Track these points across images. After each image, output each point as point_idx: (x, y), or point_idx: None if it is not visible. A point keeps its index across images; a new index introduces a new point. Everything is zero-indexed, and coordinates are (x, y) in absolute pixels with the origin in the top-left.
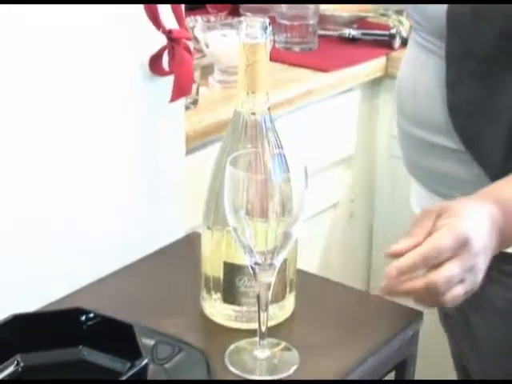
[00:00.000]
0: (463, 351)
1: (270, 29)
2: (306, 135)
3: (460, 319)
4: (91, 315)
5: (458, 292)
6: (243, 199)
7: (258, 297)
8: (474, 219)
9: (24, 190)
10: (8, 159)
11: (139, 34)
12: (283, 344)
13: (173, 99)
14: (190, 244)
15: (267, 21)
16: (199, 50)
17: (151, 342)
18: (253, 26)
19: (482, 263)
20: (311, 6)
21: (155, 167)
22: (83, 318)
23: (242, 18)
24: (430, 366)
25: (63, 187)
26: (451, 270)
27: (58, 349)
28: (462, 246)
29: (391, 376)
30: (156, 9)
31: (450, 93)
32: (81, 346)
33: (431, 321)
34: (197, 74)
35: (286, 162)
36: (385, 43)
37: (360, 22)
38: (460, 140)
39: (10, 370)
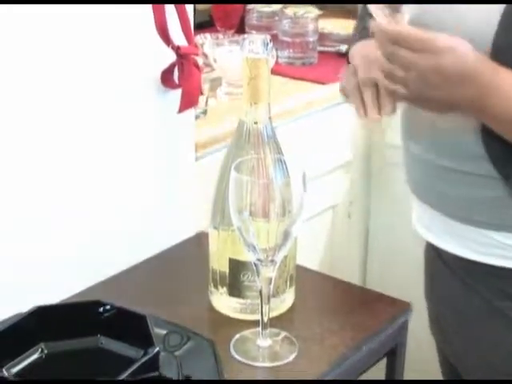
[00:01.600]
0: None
1: (270, 45)
2: (307, 143)
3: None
4: (108, 307)
5: (398, 72)
6: (247, 201)
7: (261, 290)
8: (460, 50)
9: (51, 190)
10: (37, 164)
11: (152, 50)
12: (284, 333)
13: (180, 110)
14: (199, 243)
15: (268, 37)
16: (208, 65)
17: (163, 332)
18: (255, 42)
19: (436, 79)
20: (311, 25)
21: (168, 172)
22: (101, 309)
23: (245, 35)
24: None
25: (86, 189)
26: (403, 50)
27: (78, 337)
28: (430, 51)
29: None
30: (166, 27)
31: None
32: (99, 335)
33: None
34: (206, 87)
35: (286, 167)
36: None
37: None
38: (494, 166)
39: (35, 356)
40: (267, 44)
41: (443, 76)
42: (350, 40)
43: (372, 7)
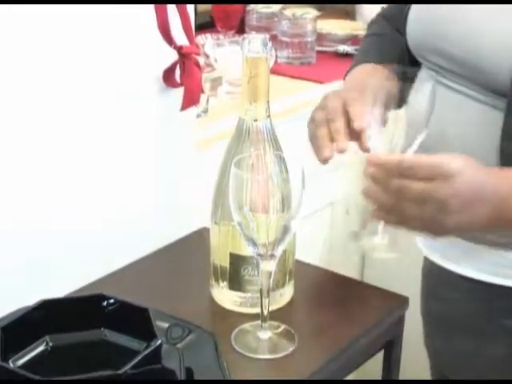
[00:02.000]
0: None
1: (270, 44)
2: (306, 141)
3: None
4: (112, 300)
5: (410, 209)
6: (246, 197)
7: (261, 284)
8: (469, 170)
9: (53, 185)
10: (41, 158)
11: (155, 49)
12: (283, 326)
13: (183, 108)
14: (200, 238)
15: (267, 37)
16: (209, 65)
17: (165, 325)
18: (254, 42)
19: (455, 205)
20: (309, 26)
21: (169, 169)
22: (105, 303)
23: (245, 35)
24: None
25: (88, 185)
26: (413, 182)
27: (83, 330)
28: (442, 176)
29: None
30: (168, 27)
31: (509, 145)
32: (102, 328)
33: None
34: (207, 86)
35: (285, 163)
36: None
37: (353, 39)
38: None
39: (40, 349)
40: (266, 44)
41: (462, 200)
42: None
43: (372, 135)
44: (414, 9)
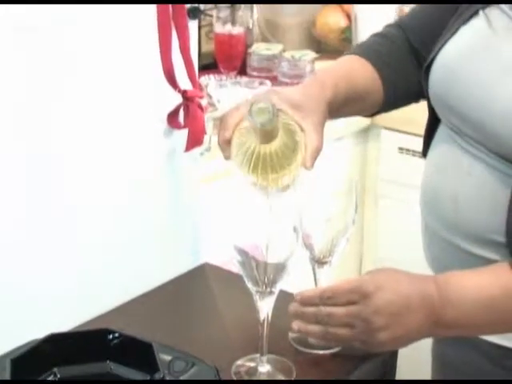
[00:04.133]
0: None
1: (275, 110)
2: (304, 177)
3: None
4: (116, 334)
5: (341, 332)
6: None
7: (260, 319)
8: (389, 284)
9: (57, 222)
10: (41, 193)
11: (159, 93)
12: (281, 359)
13: (187, 149)
14: (202, 273)
15: (272, 104)
16: (212, 104)
17: (168, 358)
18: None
19: (380, 322)
20: (308, 67)
21: (174, 207)
22: (110, 336)
23: (252, 102)
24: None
25: (96, 219)
26: (335, 309)
27: (89, 363)
28: (361, 298)
29: None
30: (173, 72)
31: None
32: (108, 361)
33: None
34: (210, 125)
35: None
36: None
37: None
38: None
39: (49, 380)
40: (273, 112)
41: (386, 315)
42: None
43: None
44: (438, 64)
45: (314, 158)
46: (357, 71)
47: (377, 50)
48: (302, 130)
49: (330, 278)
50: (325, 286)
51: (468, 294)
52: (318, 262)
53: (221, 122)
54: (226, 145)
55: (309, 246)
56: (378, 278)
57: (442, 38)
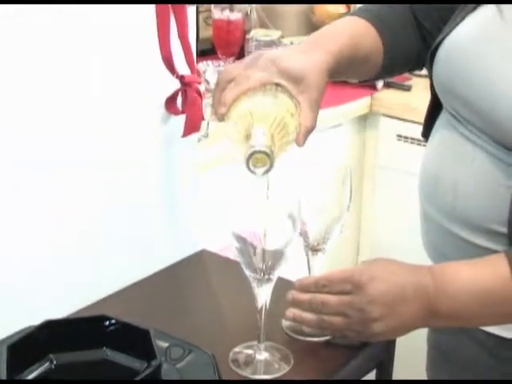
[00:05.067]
0: None
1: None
2: (303, 163)
3: None
4: (113, 321)
5: (335, 321)
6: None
7: (258, 307)
8: (383, 275)
9: (55, 208)
10: (40, 179)
11: (157, 79)
12: (279, 347)
13: (184, 135)
14: (200, 260)
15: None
16: (210, 91)
17: (165, 345)
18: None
19: (375, 312)
20: None
21: (172, 193)
22: (106, 323)
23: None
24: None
25: (91, 207)
26: (329, 297)
27: (85, 350)
28: (355, 288)
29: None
30: (171, 57)
31: None
32: (104, 348)
33: None
34: (208, 111)
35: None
36: (369, 85)
37: None
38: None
39: (45, 367)
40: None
41: (380, 305)
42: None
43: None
44: (444, 48)
45: (306, 137)
46: (361, 37)
47: (380, 14)
48: (298, 105)
49: (325, 265)
50: (320, 273)
51: (464, 284)
52: (312, 249)
53: (218, 89)
54: (220, 120)
55: (303, 234)
56: (373, 268)
57: (451, 23)
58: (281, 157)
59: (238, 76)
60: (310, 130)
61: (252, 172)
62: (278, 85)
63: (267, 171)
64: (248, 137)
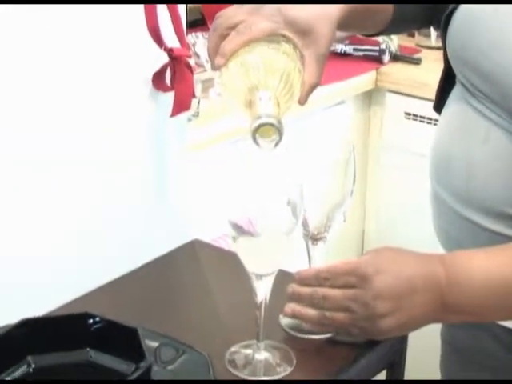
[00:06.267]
0: None
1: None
2: (302, 144)
3: None
4: (97, 319)
5: (339, 317)
6: None
7: (257, 302)
8: (390, 266)
9: (33, 197)
10: (21, 167)
11: (143, 52)
12: (280, 345)
13: (173, 114)
14: (192, 250)
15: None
16: (200, 65)
17: (155, 344)
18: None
19: (382, 307)
20: None
21: (160, 177)
22: (90, 321)
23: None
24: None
25: (73, 196)
26: (332, 291)
27: (67, 351)
28: (360, 281)
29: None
30: (158, 28)
31: None
32: (88, 349)
33: None
34: (198, 88)
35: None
36: (375, 58)
37: (352, 38)
38: None
39: (22, 370)
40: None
41: (388, 299)
42: None
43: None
44: (460, 13)
45: (309, 95)
46: None
47: None
48: (303, 59)
49: (327, 256)
50: (321, 265)
51: (478, 275)
52: (313, 238)
53: (215, 34)
54: (216, 69)
55: (303, 221)
56: (379, 258)
57: None
58: (285, 116)
59: (239, 24)
60: (315, 87)
61: (259, 145)
62: (283, 36)
63: (277, 144)
64: (251, 99)
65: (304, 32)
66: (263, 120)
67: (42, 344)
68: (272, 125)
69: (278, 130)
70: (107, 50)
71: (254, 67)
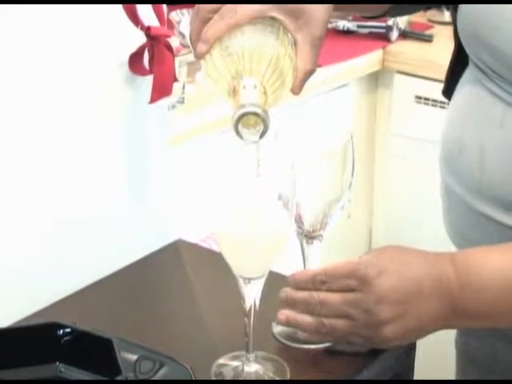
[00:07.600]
0: None
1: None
2: (302, 133)
3: None
4: (68, 330)
5: (338, 325)
6: None
7: (245, 309)
8: (394, 267)
9: (7, 198)
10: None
11: (118, 31)
12: (272, 356)
13: (152, 100)
14: (175, 252)
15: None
16: (186, 46)
17: (133, 357)
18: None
19: (385, 313)
20: None
21: (140, 172)
22: (60, 332)
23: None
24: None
25: (44, 192)
26: (330, 295)
27: (34, 365)
28: (360, 284)
29: None
30: (134, 5)
31: None
32: (57, 363)
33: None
34: (183, 71)
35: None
36: (381, 35)
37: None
38: None
39: None
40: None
41: (391, 303)
42: None
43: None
44: None
45: (303, 83)
46: None
47: None
48: (296, 43)
49: (330, 257)
50: (317, 266)
51: (493, 276)
52: (308, 236)
53: (197, 18)
54: (199, 57)
55: (297, 218)
56: (381, 259)
57: None
58: (275, 107)
59: (223, 7)
60: (310, 73)
61: (242, 137)
62: (272, 18)
63: (262, 135)
64: (235, 87)
65: (295, 13)
66: (246, 109)
67: (8, 357)
68: (256, 114)
69: (264, 119)
70: (76, 30)
71: (239, 53)
